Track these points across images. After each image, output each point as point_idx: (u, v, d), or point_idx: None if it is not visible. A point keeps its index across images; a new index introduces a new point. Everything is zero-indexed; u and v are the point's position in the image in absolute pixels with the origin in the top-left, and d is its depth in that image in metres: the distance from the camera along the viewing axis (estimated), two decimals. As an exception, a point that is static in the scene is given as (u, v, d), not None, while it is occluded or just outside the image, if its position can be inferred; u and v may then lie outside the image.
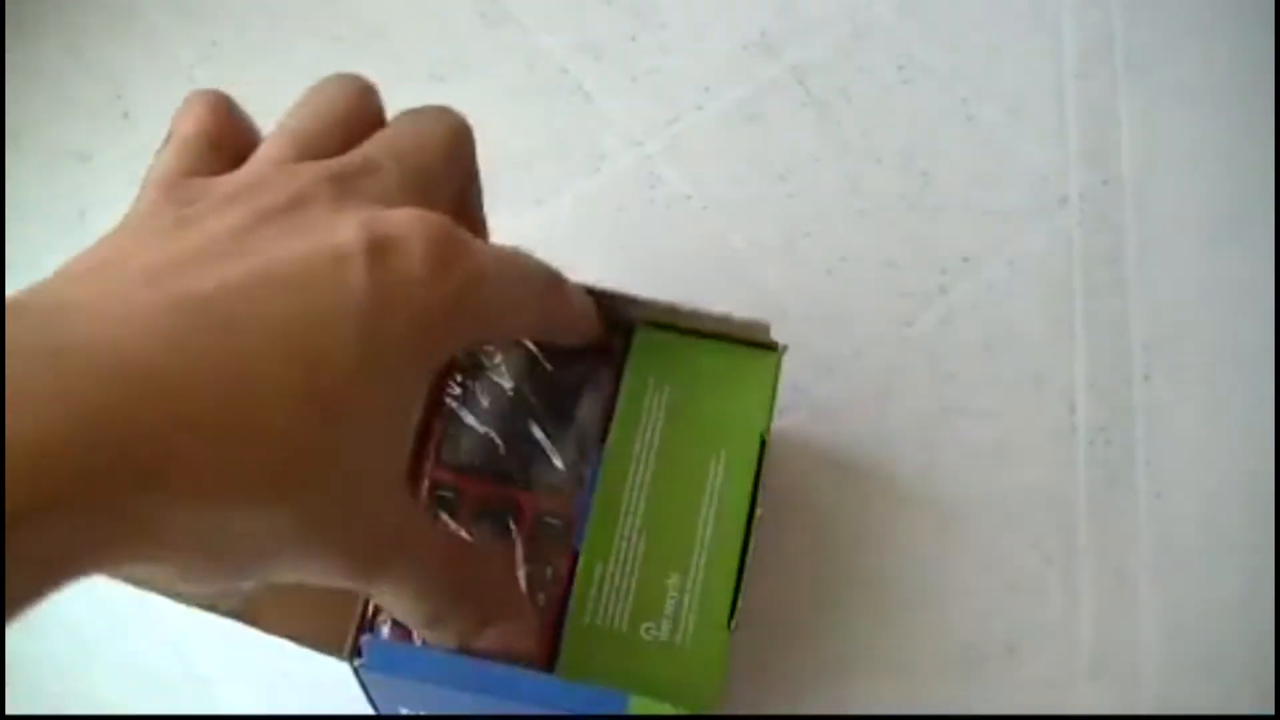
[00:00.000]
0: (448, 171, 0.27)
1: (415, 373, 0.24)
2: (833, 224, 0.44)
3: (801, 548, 0.39)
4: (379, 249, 0.23)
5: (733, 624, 0.29)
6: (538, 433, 0.31)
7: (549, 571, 0.30)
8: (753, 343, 0.32)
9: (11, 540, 0.18)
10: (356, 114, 0.27)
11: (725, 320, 0.32)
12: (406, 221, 0.23)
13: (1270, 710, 0.37)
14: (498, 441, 0.31)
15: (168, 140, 0.27)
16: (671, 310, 0.32)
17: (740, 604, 0.29)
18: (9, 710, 0.36)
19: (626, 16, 0.47)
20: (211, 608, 0.29)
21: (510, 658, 0.27)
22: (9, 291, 0.22)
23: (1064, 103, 0.46)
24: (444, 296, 0.23)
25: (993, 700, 0.37)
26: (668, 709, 0.27)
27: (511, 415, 0.31)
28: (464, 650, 0.27)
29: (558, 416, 0.31)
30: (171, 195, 0.25)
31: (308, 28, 0.47)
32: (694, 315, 0.32)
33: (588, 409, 0.31)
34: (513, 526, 0.30)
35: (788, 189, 0.45)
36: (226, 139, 0.26)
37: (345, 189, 0.24)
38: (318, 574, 0.24)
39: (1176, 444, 0.41)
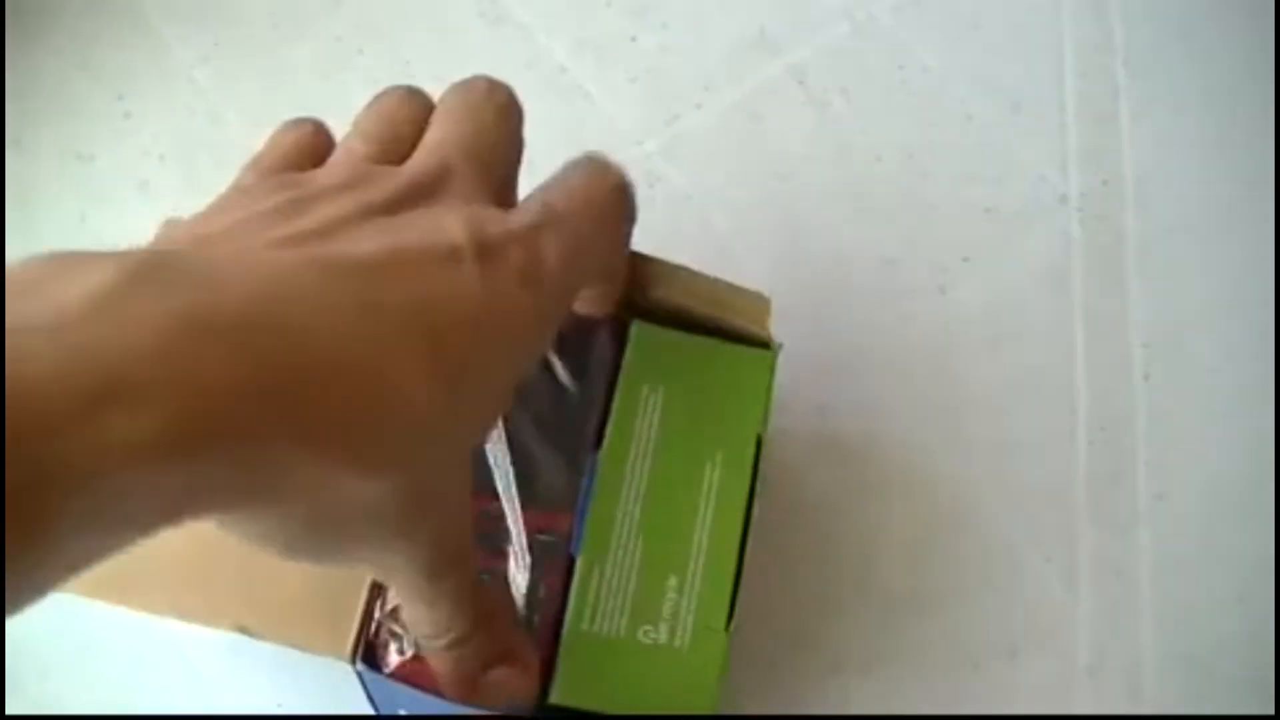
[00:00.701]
0: (505, 151, 0.28)
1: (518, 367, 0.25)
2: (833, 223, 0.44)
3: (801, 547, 0.39)
4: (486, 251, 0.24)
5: (731, 626, 0.29)
6: (531, 447, 0.30)
7: (541, 590, 0.29)
8: (749, 340, 0.32)
9: (159, 471, 0.18)
10: (415, 112, 0.28)
11: (725, 288, 0.32)
12: (505, 230, 0.24)
13: (1270, 710, 0.37)
14: (491, 456, 0.30)
15: (264, 146, 0.28)
16: (673, 270, 0.32)
17: (738, 605, 0.29)
18: (9, 710, 0.36)
19: (626, 16, 0.47)
20: (214, 624, 0.29)
21: (509, 702, 0.27)
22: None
23: (1064, 103, 0.46)
24: (545, 291, 0.25)
25: (993, 700, 0.37)
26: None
27: (504, 429, 0.31)
28: (467, 693, 0.27)
29: (552, 429, 0.31)
30: (273, 181, 0.26)
31: (308, 28, 0.47)
32: (698, 278, 0.32)
33: (582, 421, 0.31)
34: (506, 544, 0.29)
35: (788, 188, 0.45)
36: (320, 152, 0.28)
37: (432, 194, 0.25)
38: (396, 564, 0.24)
39: (1176, 444, 0.41)
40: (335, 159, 0.27)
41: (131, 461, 0.17)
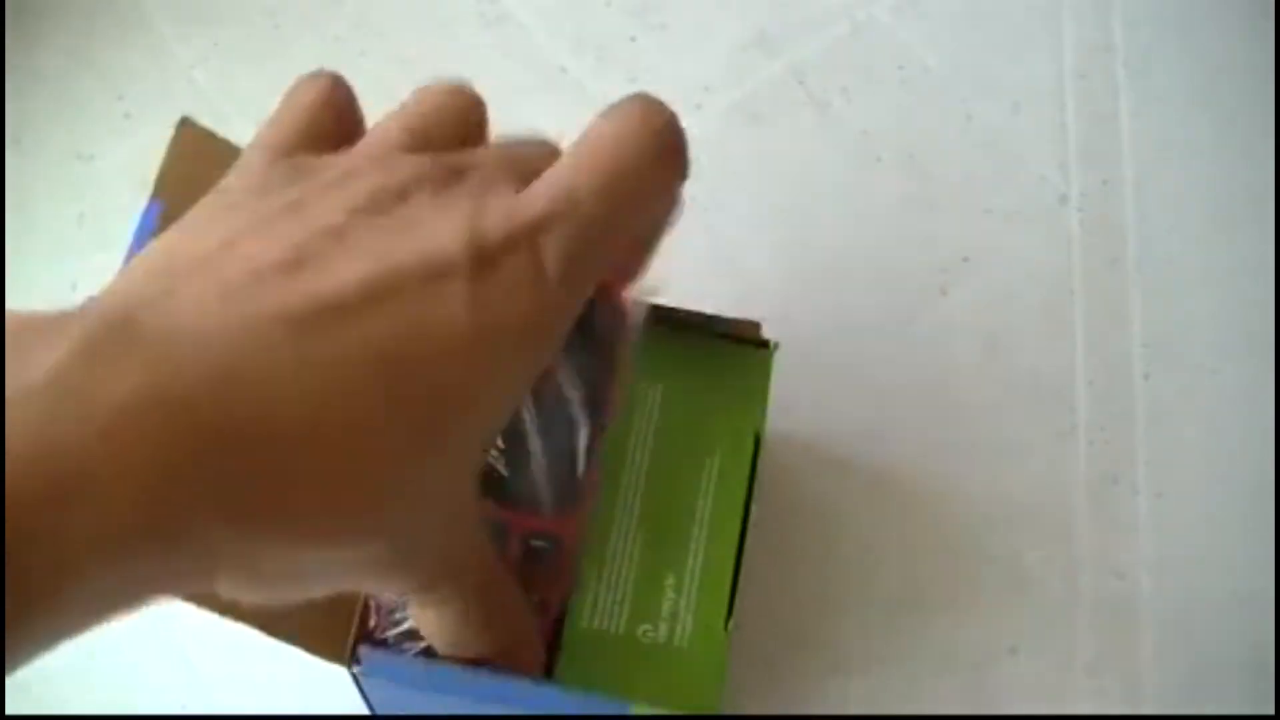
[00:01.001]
0: (547, 157, 0.25)
1: (519, 383, 0.23)
2: (832, 224, 0.44)
3: (801, 548, 0.39)
4: (484, 260, 0.22)
5: (730, 625, 0.29)
6: (531, 443, 0.29)
7: (535, 599, 0.28)
8: (745, 340, 0.32)
9: (115, 565, 0.17)
10: (465, 114, 0.26)
11: (715, 320, 0.32)
12: (510, 228, 0.22)
13: (1270, 710, 0.37)
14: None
15: (279, 108, 0.26)
16: (656, 310, 0.31)
17: (737, 605, 0.29)
18: (9, 710, 0.36)
19: (626, 16, 0.47)
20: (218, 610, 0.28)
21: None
22: (9, 293, 0.21)
23: (1064, 103, 0.46)
24: (550, 297, 0.22)
25: (993, 700, 0.37)
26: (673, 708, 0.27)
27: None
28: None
29: (551, 424, 0.29)
30: (280, 170, 0.24)
31: (308, 28, 0.47)
32: (684, 315, 0.32)
33: (583, 416, 0.29)
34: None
35: (788, 188, 0.44)
36: (342, 117, 0.26)
37: (448, 181, 0.23)
38: (375, 588, 0.24)
39: (1176, 444, 0.41)
40: (362, 144, 0.25)
41: (92, 559, 0.17)
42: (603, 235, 0.24)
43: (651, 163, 0.24)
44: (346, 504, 0.20)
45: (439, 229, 0.22)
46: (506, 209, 0.23)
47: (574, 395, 0.29)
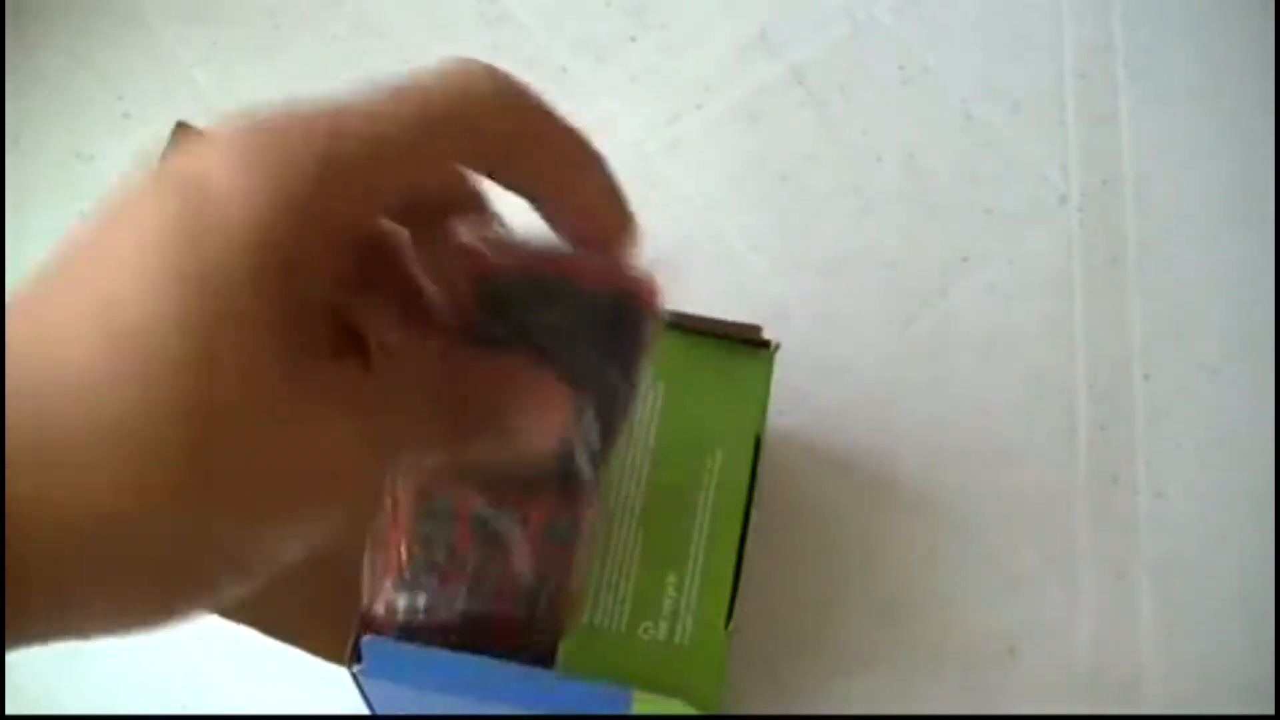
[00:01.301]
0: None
1: (275, 304, 0.18)
2: (833, 224, 0.44)
3: (803, 548, 0.39)
4: (177, 183, 0.19)
5: (731, 624, 0.29)
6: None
7: (551, 584, 0.27)
8: (746, 341, 0.32)
9: None
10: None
11: (716, 322, 0.32)
12: (212, 138, 0.19)
13: (1270, 710, 0.37)
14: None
15: None
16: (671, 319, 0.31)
17: (738, 605, 0.29)
18: (9, 710, 0.36)
19: (626, 16, 0.47)
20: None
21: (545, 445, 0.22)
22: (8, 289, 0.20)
23: (1064, 103, 0.46)
24: (276, 203, 0.19)
25: (992, 700, 0.37)
26: (673, 706, 0.27)
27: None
28: (506, 458, 0.23)
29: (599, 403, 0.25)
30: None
31: (308, 28, 0.47)
32: (685, 317, 0.32)
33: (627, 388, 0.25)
34: (517, 537, 0.27)
35: (788, 189, 0.45)
36: None
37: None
38: (326, 533, 0.20)
39: (1176, 444, 0.41)
40: None
41: None
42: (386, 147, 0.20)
43: (456, 85, 0.21)
44: (110, 480, 0.18)
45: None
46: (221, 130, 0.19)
47: (616, 378, 0.25)
